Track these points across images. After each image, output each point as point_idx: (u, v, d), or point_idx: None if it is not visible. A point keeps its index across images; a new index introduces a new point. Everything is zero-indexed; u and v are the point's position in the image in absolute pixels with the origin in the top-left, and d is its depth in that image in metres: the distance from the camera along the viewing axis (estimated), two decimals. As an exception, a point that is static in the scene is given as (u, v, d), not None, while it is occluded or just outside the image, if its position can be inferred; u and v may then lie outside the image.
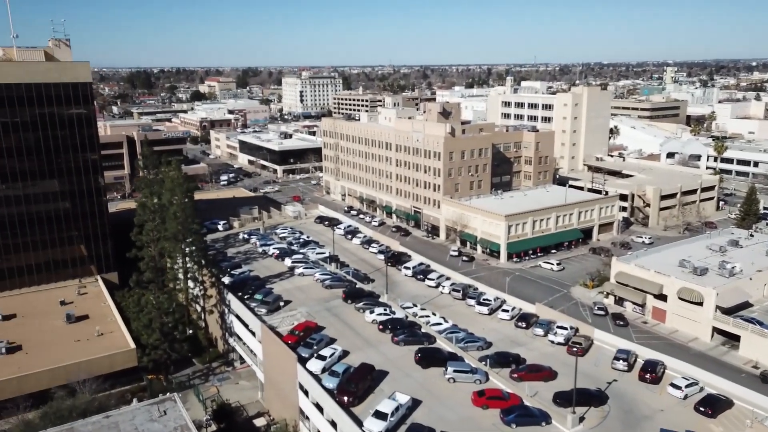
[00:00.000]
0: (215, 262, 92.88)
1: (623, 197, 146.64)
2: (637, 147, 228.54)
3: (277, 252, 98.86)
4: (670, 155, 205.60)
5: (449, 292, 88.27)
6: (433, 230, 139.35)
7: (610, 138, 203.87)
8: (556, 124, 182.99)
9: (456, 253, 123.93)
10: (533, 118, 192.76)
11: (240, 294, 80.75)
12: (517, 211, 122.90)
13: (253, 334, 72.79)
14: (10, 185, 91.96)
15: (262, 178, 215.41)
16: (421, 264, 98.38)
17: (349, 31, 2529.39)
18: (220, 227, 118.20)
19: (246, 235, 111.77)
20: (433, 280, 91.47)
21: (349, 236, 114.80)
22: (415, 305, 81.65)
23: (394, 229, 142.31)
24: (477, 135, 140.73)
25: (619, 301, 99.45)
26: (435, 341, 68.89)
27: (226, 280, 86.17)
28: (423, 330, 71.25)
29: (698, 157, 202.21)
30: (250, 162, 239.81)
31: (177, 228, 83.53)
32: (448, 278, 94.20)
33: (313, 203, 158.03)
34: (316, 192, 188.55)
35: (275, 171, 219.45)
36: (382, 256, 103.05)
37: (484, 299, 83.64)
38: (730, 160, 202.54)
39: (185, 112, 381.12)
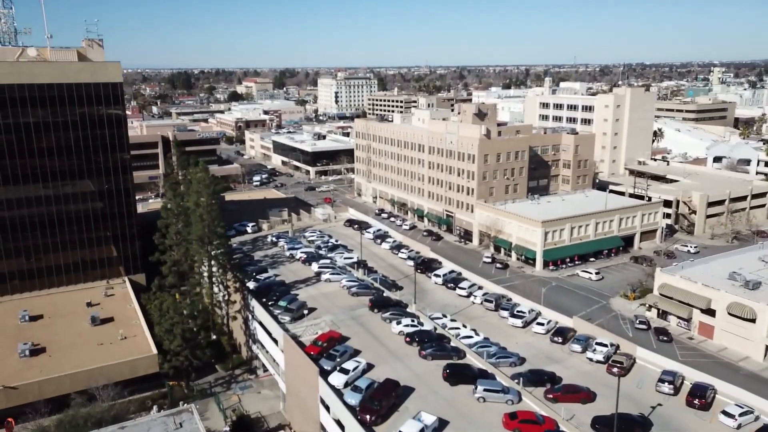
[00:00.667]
0: (240, 267, 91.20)
1: (667, 203, 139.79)
2: (681, 150, 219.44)
3: (305, 256, 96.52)
4: (718, 159, 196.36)
5: (481, 303, 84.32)
6: (466, 235, 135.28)
7: (653, 141, 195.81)
8: (596, 126, 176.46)
9: (489, 260, 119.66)
10: (572, 120, 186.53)
11: (264, 300, 78.57)
12: (554, 216, 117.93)
13: (276, 342, 70.42)
14: (40, 185, 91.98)
15: (294, 179, 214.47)
16: (452, 272, 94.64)
17: (386, 32, 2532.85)
18: (248, 229, 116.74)
19: (274, 238, 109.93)
20: (464, 289, 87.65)
21: (378, 241, 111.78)
22: (444, 316, 78.07)
23: (425, 233, 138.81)
24: (513, 137, 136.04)
25: (663, 314, 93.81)
26: (465, 356, 65.18)
27: (251, 285, 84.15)
28: (452, 343, 67.62)
29: (748, 162, 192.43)
30: (284, 163, 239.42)
31: (203, 231, 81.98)
32: (480, 287, 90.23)
33: (344, 205, 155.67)
34: (347, 194, 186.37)
35: (308, 172, 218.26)
36: (411, 263, 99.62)
37: (517, 311, 79.43)
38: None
39: (222, 112, 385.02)
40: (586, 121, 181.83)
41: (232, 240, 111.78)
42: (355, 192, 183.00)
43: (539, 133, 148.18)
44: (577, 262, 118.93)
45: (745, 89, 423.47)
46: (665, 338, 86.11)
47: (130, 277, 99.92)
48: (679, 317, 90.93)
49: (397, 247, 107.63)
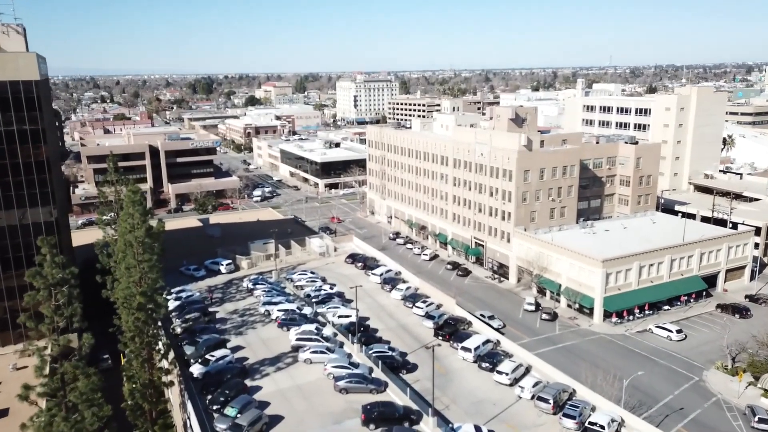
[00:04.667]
0: (194, 333, 65.69)
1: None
2: (747, 160, 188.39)
3: (282, 316, 70.42)
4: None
5: (532, 398, 57.23)
6: (500, 269, 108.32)
7: (722, 150, 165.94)
8: (653, 133, 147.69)
9: (532, 307, 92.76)
10: (623, 125, 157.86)
11: (208, 399, 52.96)
12: (617, 253, 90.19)
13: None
14: None
15: (301, 192, 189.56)
16: (488, 342, 67.46)
17: (410, 35, 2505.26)
18: (222, 269, 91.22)
19: (251, 284, 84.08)
20: (506, 374, 60.45)
21: (388, 287, 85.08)
22: (477, 429, 51.17)
23: (449, 266, 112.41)
24: (560, 148, 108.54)
25: (791, 406, 65.70)
26: None
27: (197, 370, 58.38)
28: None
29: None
30: (292, 174, 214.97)
31: (130, 290, 56.87)
32: (527, 368, 63.09)
33: (351, 231, 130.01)
34: (359, 212, 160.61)
35: (316, 185, 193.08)
36: (430, 324, 73.00)
37: (590, 423, 52.21)
38: None
39: (237, 117, 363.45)
40: (640, 127, 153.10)
41: (200, 284, 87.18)
42: (368, 210, 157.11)
43: (590, 142, 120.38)
44: (647, 312, 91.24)
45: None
46: (803, 450, 58.19)
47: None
48: (818, 413, 62.80)
49: (412, 298, 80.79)
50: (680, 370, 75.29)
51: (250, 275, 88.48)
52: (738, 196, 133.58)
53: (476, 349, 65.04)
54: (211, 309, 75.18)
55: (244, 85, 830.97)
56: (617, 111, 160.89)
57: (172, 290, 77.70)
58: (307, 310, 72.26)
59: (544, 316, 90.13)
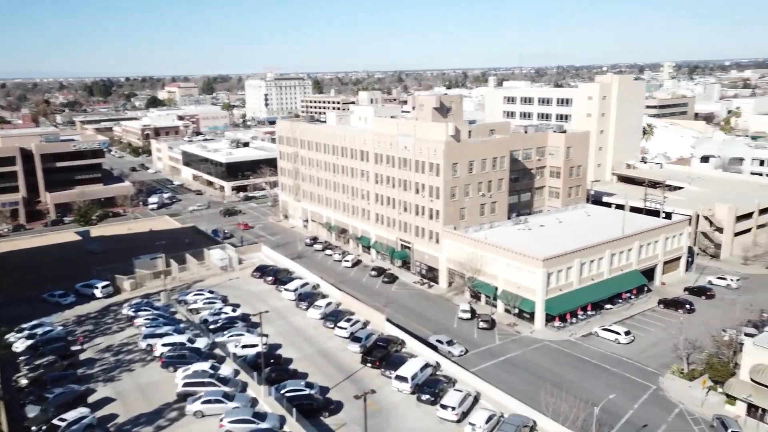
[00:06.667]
0: (44, 384, 49.33)
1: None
2: (660, 150, 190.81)
3: (167, 353, 55.39)
4: (705, 159, 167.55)
5: (486, 438, 46.14)
6: (429, 274, 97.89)
7: (641, 139, 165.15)
8: (575, 122, 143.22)
9: (468, 315, 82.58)
10: (545, 116, 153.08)
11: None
12: (557, 249, 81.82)
13: None
14: None
15: (205, 197, 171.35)
16: (426, 366, 55.88)
17: (322, 38, 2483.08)
18: (98, 293, 74.15)
19: (132, 310, 67.93)
20: (452, 408, 48.97)
21: (304, 304, 71.64)
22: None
23: (373, 273, 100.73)
24: (489, 138, 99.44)
25: (758, 412, 58.91)
26: None
27: (39, 441, 42.81)
28: None
29: (741, 161, 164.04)
30: (195, 177, 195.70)
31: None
32: (476, 397, 52.11)
33: (259, 240, 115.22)
34: (271, 216, 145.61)
35: (222, 188, 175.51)
36: (357, 347, 60.56)
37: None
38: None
39: (137, 119, 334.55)
40: (562, 117, 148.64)
41: (66, 313, 69.93)
42: (281, 214, 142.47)
43: (518, 132, 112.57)
44: (589, 313, 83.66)
45: (696, 84, 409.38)
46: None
47: None
48: (791, 421, 56.17)
49: (334, 316, 67.86)
50: (635, 378, 67.37)
51: (132, 299, 72.10)
52: (664, 186, 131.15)
53: (413, 377, 53.29)
54: (75, 348, 58.56)
55: (147, 87, 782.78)
56: (539, 102, 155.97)
57: (25, 326, 60.45)
58: (202, 342, 57.53)
59: (482, 324, 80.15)
